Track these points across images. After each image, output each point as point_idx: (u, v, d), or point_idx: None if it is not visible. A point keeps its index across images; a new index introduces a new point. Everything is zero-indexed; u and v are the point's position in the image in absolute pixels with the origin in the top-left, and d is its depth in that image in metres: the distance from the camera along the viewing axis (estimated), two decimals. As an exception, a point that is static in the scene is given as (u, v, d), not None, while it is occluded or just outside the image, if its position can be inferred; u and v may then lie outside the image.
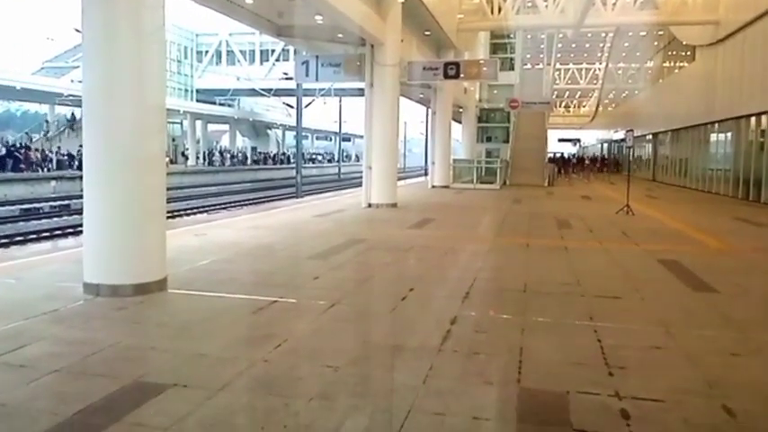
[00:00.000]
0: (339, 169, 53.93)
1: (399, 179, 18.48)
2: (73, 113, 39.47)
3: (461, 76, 18.25)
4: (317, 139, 76.98)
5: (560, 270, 7.54)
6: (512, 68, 35.54)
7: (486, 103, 35.60)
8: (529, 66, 43.43)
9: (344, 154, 74.16)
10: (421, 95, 27.85)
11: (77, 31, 30.92)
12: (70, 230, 16.83)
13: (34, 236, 15.91)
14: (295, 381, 3.91)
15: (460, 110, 32.08)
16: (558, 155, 46.08)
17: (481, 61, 20.13)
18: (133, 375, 3.91)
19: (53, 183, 29.10)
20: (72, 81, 36.92)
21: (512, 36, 35.65)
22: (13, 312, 5.22)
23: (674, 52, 31.26)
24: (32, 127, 41.76)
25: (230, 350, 4.46)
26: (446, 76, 18.04)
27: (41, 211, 22.11)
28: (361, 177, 16.65)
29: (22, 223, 18.68)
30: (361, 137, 16.91)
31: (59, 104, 38.71)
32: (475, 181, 24.41)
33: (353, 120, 63.46)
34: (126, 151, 5.81)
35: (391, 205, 15.84)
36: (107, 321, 5.15)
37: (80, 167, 32.36)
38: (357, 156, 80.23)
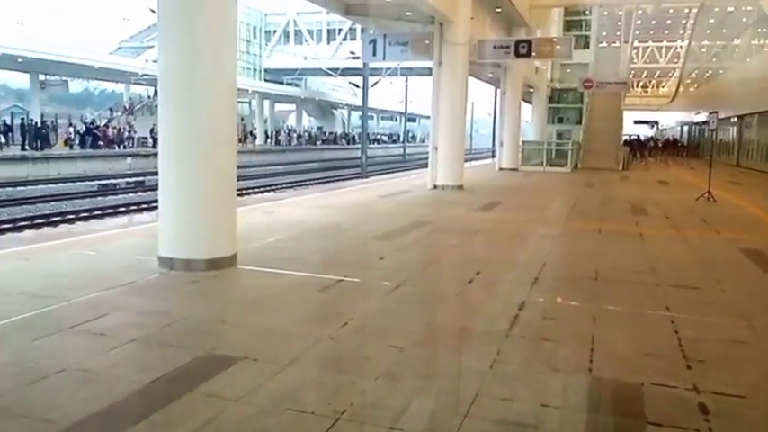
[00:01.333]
0: (404, 150, 53.83)
1: (466, 161, 18.31)
2: (156, 90, 40.99)
3: (533, 54, 17.80)
4: (383, 119, 77.06)
5: (634, 257, 7.31)
6: (586, 47, 34.37)
7: (559, 83, 34.65)
8: (604, 44, 41.89)
9: (410, 134, 74.09)
10: (490, 75, 27.37)
11: (152, 11, 32.01)
12: (145, 206, 17.55)
13: (111, 210, 16.67)
14: (361, 359, 3.96)
15: (531, 90, 31.36)
16: (634, 137, 44.36)
17: (554, 39, 19.54)
18: (206, 347, 4.07)
19: (129, 160, 30.40)
20: (147, 61, 38.24)
21: (587, 12, 34.44)
22: (93, 283, 5.51)
23: (764, 29, 29.40)
24: (110, 105, 43.62)
25: (298, 326, 4.56)
26: (517, 55, 17.64)
27: (118, 187, 23.14)
28: (426, 159, 16.58)
29: (100, 198, 19.62)
30: (428, 117, 16.81)
31: (135, 83, 40.20)
32: (545, 164, 23.88)
33: (420, 100, 63.12)
34: (200, 130, 5.99)
35: (457, 187, 15.73)
36: (181, 294, 5.37)
37: (155, 145, 33.90)
38: (423, 137, 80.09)
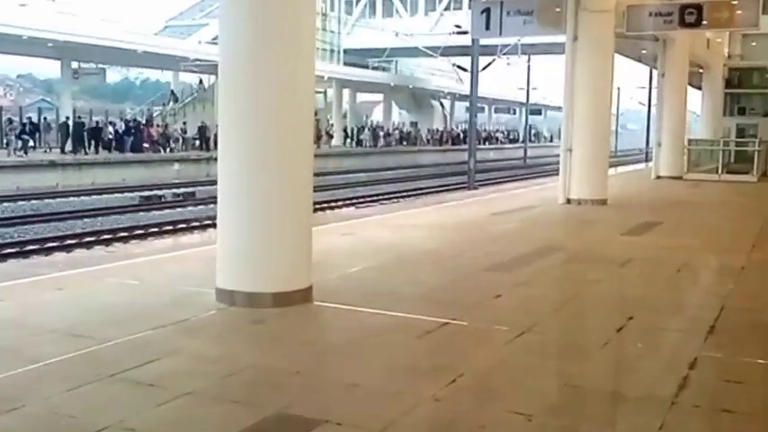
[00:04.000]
0: (525, 152, 53.47)
1: (610, 166, 17.95)
2: (200, 80, 42.94)
3: (704, 23, 17.25)
4: (497, 111, 76.88)
5: None
6: (779, 10, 32.89)
7: (740, 61, 33.29)
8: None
9: (533, 131, 73.40)
10: (643, 51, 26.72)
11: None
12: (196, 224, 18.34)
13: (156, 229, 17.53)
14: (477, 430, 3.95)
15: (700, 70, 30.27)
16: None
17: (734, 2, 18.86)
18: (277, 405, 4.19)
19: (176, 165, 31.91)
20: (200, 42, 40.11)
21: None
22: (138, 320, 5.80)
23: None
24: (154, 98, 46.02)
25: (391, 382, 4.61)
26: (682, 24, 17.14)
27: (163, 200, 24.33)
28: (555, 164, 16.39)
29: (142, 213, 20.67)
30: (558, 109, 16.63)
31: (185, 71, 42.24)
32: (720, 170, 22.95)
33: (547, 86, 62.53)
34: (269, 131, 6.20)
35: (599, 202, 15.43)
36: (244, 336, 5.56)
37: (205, 146, 35.49)
38: (551, 135, 79.01)
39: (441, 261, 8.73)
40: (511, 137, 71.99)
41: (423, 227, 11.67)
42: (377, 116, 65.92)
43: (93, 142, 32.13)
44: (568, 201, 15.57)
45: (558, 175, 16.25)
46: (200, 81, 43.21)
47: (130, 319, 5.81)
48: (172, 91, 44.57)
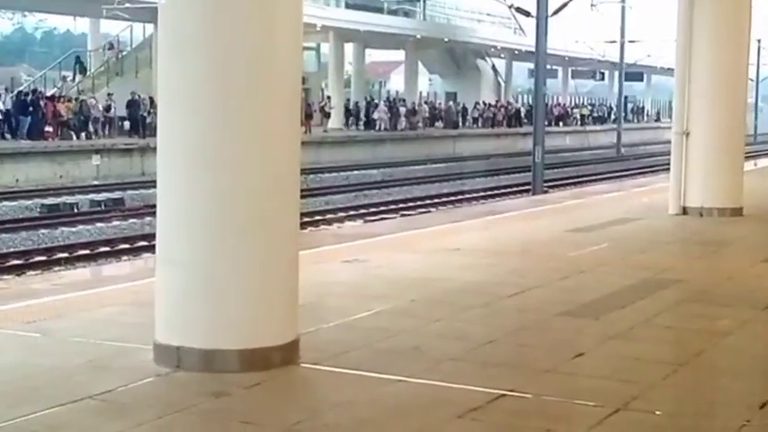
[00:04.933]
0: (619, 137, 53.30)
1: (747, 157, 17.83)
2: (111, 44, 42.75)
3: None
4: (576, 76, 76.76)
5: None
6: None
7: None
8: None
9: (631, 106, 73.16)
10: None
11: None
12: (125, 247, 18.36)
13: (65, 254, 17.59)
14: None
15: None
16: None
17: None
18: None
19: (96, 159, 31.97)
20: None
21: None
22: (37, 392, 5.78)
23: None
24: (64, 58, 46.18)
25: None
26: None
27: (77, 210, 24.37)
28: (664, 154, 16.29)
29: (44, 231, 20.75)
30: (668, 72, 16.54)
31: (109, 18, 42.34)
32: None
33: (651, 38, 62.18)
34: (236, 108, 6.20)
35: (731, 212, 15.34)
36: (196, 419, 5.52)
37: (140, 130, 35.43)
38: (657, 111, 78.74)
39: (493, 302, 8.68)
40: (597, 114, 71.75)
41: (466, 251, 11.62)
42: (395, 84, 66.08)
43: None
44: (684, 210, 15.48)
45: (668, 171, 16.14)
46: (111, 46, 43.20)
47: (24, 392, 5.79)
48: (77, 58, 44.13)
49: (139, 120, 36.50)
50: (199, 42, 6.25)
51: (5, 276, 15.24)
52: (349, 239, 12.80)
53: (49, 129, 33.92)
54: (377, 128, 49.19)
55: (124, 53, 43.84)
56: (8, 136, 33.06)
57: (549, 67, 38.79)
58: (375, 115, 49.98)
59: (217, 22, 6.19)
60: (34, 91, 37.34)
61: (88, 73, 42.73)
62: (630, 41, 56.87)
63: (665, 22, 16.27)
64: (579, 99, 75.26)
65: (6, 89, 36.76)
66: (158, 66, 6.56)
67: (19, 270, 16.14)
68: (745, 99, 16.36)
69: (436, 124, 54.61)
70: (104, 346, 6.85)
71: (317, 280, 9.04)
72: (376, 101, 53.37)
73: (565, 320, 8.01)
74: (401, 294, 8.86)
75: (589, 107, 72.98)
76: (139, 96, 37.06)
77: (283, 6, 6.43)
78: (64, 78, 42.55)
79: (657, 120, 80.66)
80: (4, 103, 34.60)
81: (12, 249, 18.27)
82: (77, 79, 42.07)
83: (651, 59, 65.45)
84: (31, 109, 34.26)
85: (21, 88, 38.71)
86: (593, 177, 35.01)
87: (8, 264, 16.58)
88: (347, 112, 50.97)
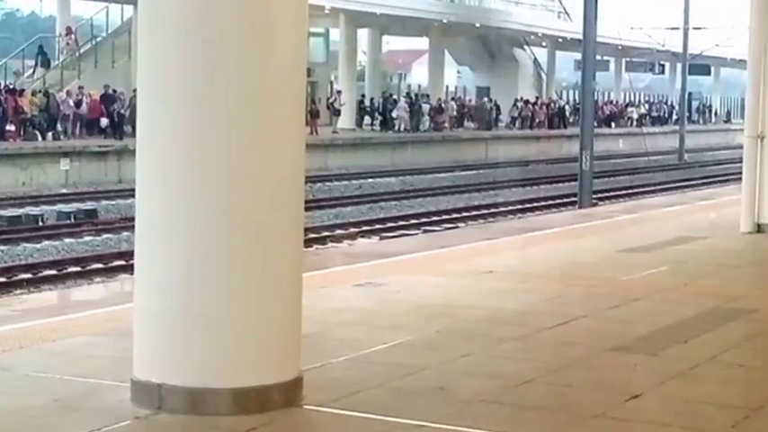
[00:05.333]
0: (682, 141, 53.18)
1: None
2: (69, 29, 42.66)
3: None
4: (630, 69, 76.63)
5: None
6: None
7: None
8: None
9: (696, 104, 72.88)
10: None
11: None
12: (98, 267, 18.37)
13: (28, 275, 17.62)
14: None
15: None
16: None
17: None
18: None
19: (64, 163, 32.07)
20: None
21: None
22: (-4, 436, 5.82)
23: None
24: (27, 46, 46.36)
25: None
26: None
27: (42, 224, 24.43)
28: (734, 161, 16.23)
29: (3, 248, 20.81)
30: (740, 64, 16.47)
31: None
32: None
33: (720, 25, 62.06)
34: (228, 105, 6.22)
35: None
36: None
37: (117, 130, 35.35)
38: (727, 110, 78.48)
39: (531, 335, 8.68)
40: (655, 113, 71.59)
41: (500, 273, 11.63)
42: (418, 78, 66.08)
43: None
44: (759, 228, 15.45)
45: (739, 181, 16.11)
46: (69, 31, 42.71)
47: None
48: (40, 47, 43.77)
49: (116, 118, 36.48)
50: (186, 25, 6.27)
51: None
52: (362, 259, 12.80)
53: (10, 128, 33.96)
54: (396, 128, 49.13)
55: (98, 39, 43.88)
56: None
57: (598, 57, 38.74)
58: (394, 113, 49.93)
59: (208, 2, 6.22)
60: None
61: (54, 63, 42.70)
62: (695, 28, 56.76)
63: (737, 5, 16.22)
64: (634, 96, 75.08)
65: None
66: (138, 54, 6.55)
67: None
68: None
69: (465, 124, 54.56)
70: (73, 383, 6.85)
71: (324, 307, 9.05)
72: (394, 96, 53.35)
73: (616, 356, 7.99)
74: (423, 324, 8.85)
75: (645, 105, 72.82)
76: (114, 91, 37.10)
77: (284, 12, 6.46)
78: (17, 72, 42.28)
79: (727, 121, 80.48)
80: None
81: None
82: (38, 72, 41.91)
83: (720, 50, 65.34)
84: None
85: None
86: (651, 188, 34.92)
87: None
88: (361, 109, 50.97)
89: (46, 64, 42.48)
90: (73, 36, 43.01)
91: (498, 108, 57.08)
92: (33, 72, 41.99)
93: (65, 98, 37.08)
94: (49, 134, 35.04)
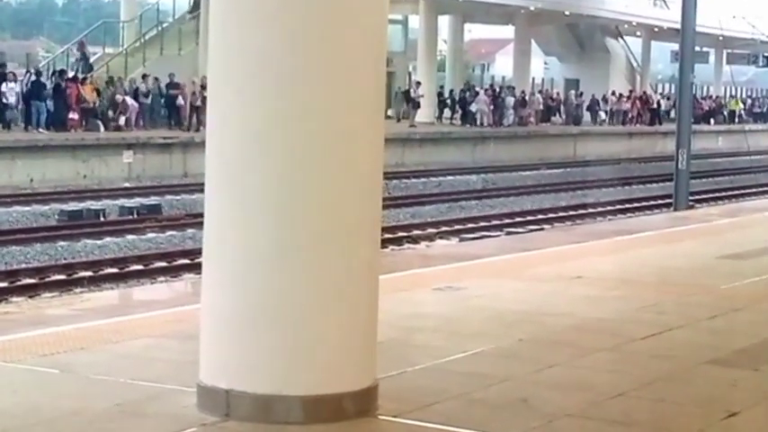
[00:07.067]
0: (787, 140, 52.55)
1: None
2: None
3: None
4: (731, 61, 75.88)
5: None
6: None
7: None
8: None
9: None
10: None
11: None
12: (162, 265, 18.52)
13: (89, 273, 17.78)
14: None
15: None
16: None
17: None
18: None
19: (128, 155, 32.28)
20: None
21: None
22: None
23: None
24: (90, 31, 46.82)
25: None
26: None
27: (104, 219, 24.64)
28: None
29: (63, 244, 21.01)
30: None
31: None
32: None
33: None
34: (304, 95, 6.26)
35: None
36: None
37: (183, 120, 35.49)
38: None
39: (623, 345, 8.66)
40: (758, 109, 70.77)
41: (589, 279, 11.62)
42: (502, 69, 65.93)
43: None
44: None
45: None
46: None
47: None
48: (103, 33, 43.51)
49: (181, 108, 36.69)
50: (264, 12, 6.31)
51: (16, 298, 15.46)
52: (441, 262, 12.82)
53: (73, 117, 34.13)
54: (477, 122, 48.90)
55: (165, 25, 44.14)
56: (21, 125, 33.37)
57: (697, 48, 38.35)
58: (473, 107, 49.58)
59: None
60: (62, 72, 37.20)
61: (120, 49, 43.03)
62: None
63: None
64: (736, 90, 74.21)
65: (32, 71, 36.68)
66: (210, 41, 6.61)
67: (32, 291, 16.31)
68: None
69: (553, 119, 54.28)
70: (136, 386, 6.93)
71: (401, 312, 9.07)
72: (477, 88, 53.09)
73: (714, 370, 7.94)
74: (506, 332, 8.86)
75: (749, 100, 71.94)
76: (176, 79, 37.18)
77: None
78: (83, 50, 42.17)
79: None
80: (25, 84, 34.64)
81: (23, 265, 18.51)
82: (102, 60, 42.10)
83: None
84: (50, 92, 34.28)
85: (39, 66, 39.02)
86: (753, 190, 34.60)
87: (19, 283, 16.80)
88: (440, 101, 50.87)
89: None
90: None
91: (595, 102, 56.47)
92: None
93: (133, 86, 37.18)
94: (112, 125, 35.16)
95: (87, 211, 25.17)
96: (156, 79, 37.47)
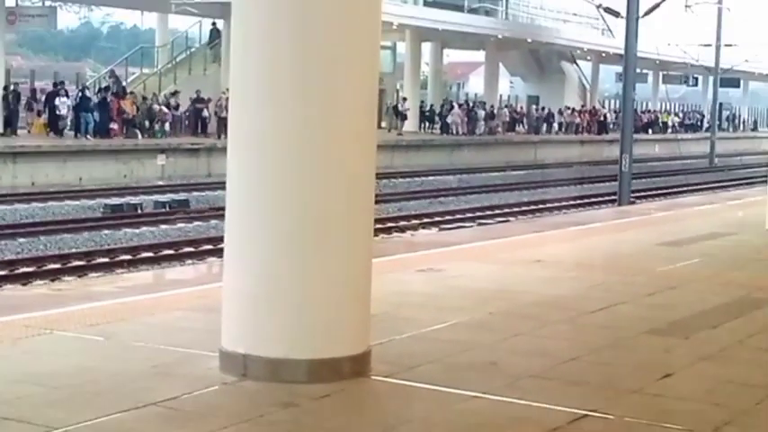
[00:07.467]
0: (713, 147, 52.63)
1: None
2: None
3: None
4: (665, 81, 76.03)
5: None
6: None
7: None
8: None
9: (726, 113, 72.13)
10: None
11: None
12: (190, 250, 18.53)
13: (128, 256, 17.80)
14: None
15: None
16: None
17: None
18: None
19: (160, 158, 32.33)
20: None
21: None
22: (100, 397, 5.91)
23: None
24: (130, 54, 46.84)
25: None
26: None
27: (141, 212, 24.64)
28: (760, 166, 16.14)
29: (107, 232, 21.01)
30: (766, 78, 16.30)
31: (178, 12, 42.88)
32: None
33: (751, 42, 61.36)
34: (312, 108, 6.28)
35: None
36: (263, 429, 5.58)
37: (205, 129, 35.68)
38: (754, 120, 77.66)
39: (576, 318, 8.67)
40: (688, 121, 70.95)
41: (547, 263, 11.61)
42: (474, 87, 65.85)
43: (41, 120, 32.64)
44: (780, 225, 15.29)
45: (765, 183, 16.01)
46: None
47: (87, 397, 5.92)
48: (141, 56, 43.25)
49: (202, 119, 36.82)
50: (273, 38, 6.32)
51: (67, 278, 15.46)
52: (423, 248, 12.85)
53: (114, 126, 34.32)
54: (453, 132, 48.94)
55: (192, 50, 44.13)
56: (72, 133, 33.48)
57: (638, 70, 38.38)
58: (449, 119, 49.62)
59: (293, 19, 6.26)
60: (107, 88, 37.40)
61: (155, 69, 43.05)
62: (727, 45, 56.11)
63: (765, 24, 16.08)
64: (670, 105, 74.41)
65: (81, 88, 36.84)
66: (231, 62, 6.61)
67: (81, 271, 16.33)
68: None
69: (517, 129, 54.28)
70: (168, 351, 6.97)
71: (390, 289, 9.08)
72: (453, 103, 53.07)
73: (652, 339, 7.97)
74: (478, 307, 8.86)
75: (680, 114, 72.08)
76: (202, 95, 37.18)
77: (366, 3, 6.49)
78: (114, 74, 41.98)
79: (754, 129, 79.63)
80: (75, 99, 34.76)
81: (74, 250, 18.49)
82: (140, 78, 42.12)
83: (749, 65, 64.57)
84: (96, 105, 34.51)
85: (86, 83, 39.12)
86: (684, 188, 34.58)
87: (70, 265, 16.79)
88: (422, 114, 50.87)
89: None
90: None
91: (551, 115, 56.58)
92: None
93: (164, 101, 37.19)
94: (146, 133, 35.31)
95: (127, 204, 25.15)
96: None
